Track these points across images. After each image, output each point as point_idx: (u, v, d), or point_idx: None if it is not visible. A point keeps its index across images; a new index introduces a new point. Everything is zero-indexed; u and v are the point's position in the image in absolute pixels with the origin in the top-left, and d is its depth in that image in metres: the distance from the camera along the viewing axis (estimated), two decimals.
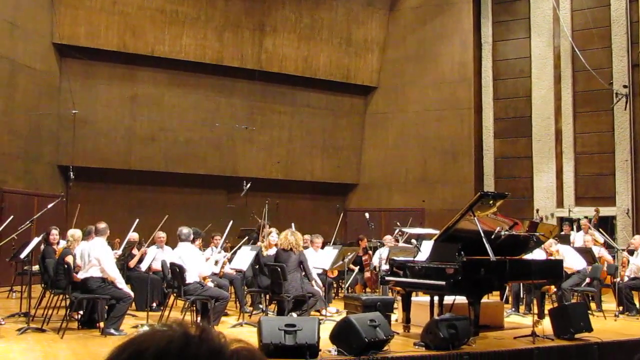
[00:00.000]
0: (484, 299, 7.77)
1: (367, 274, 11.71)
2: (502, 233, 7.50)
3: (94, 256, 7.42)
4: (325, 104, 17.05)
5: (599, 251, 10.53)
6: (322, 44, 16.49)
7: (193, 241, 8.64)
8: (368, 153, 17.33)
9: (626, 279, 10.04)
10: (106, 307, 7.64)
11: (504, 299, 10.15)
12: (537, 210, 14.92)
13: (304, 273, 8.52)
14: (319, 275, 9.66)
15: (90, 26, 14.15)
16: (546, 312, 8.17)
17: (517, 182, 16.06)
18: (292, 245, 8.54)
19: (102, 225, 7.76)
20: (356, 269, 11.48)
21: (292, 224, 10.17)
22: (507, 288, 9.94)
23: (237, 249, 9.82)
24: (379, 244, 11.34)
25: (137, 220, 9.24)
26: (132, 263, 9.81)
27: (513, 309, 9.80)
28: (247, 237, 10.96)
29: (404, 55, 17.09)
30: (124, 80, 14.83)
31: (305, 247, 10.49)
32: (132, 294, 7.66)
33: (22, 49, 13.25)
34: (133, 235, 9.88)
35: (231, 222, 10.20)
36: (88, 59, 14.18)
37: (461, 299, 7.47)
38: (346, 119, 17.27)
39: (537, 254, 8.95)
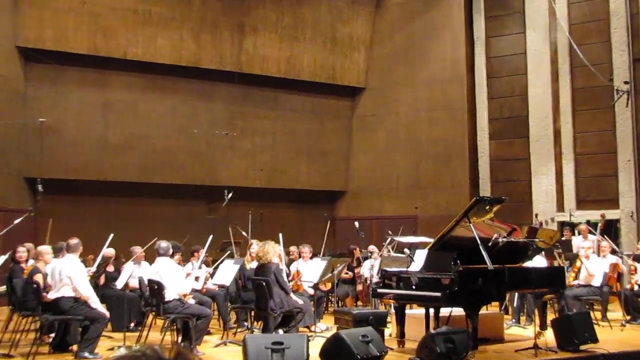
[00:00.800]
0: (483, 310, 7.78)
1: (360, 287, 11.70)
2: (500, 240, 7.52)
3: (66, 274, 7.36)
4: (310, 107, 17.06)
5: (616, 259, 10.44)
6: (306, 44, 16.50)
7: (172, 256, 8.60)
8: (356, 158, 17.34)
9: (636, 287, 10.08)
10: (80, 328, 7.57)
11: (503, 310, 10.19)
12: (537, 215, 15.00)
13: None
14: (309, 287, 9.68)
15: (57, 28, 14.07)
16: (549, 322, 8.19)
17: (515, 186, 16.12)
18: (260, 257, 8.52)
19: (74, 241, 7.71)
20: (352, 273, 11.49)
21: (280, 235, 10.16)
22: (507, 298, 9.97)
23: (219, 263, 9.78)
24: (369, 254, 11.34)
25: (112, 234, 9.17)
26: (101, 280, 9.74)
27: (513, 320, 9.82)
28: (229, 251, 10.93)
29: (392, 54, 17.13)
30: (95, 85, 14.75)
31: (292, 260, 10.49)
32: (107, 314, 7.61)
33: None
34: (108, 251, 9.81)
35: (212, 236, 10.17)
36: (56, 64, 14.10)
37: (458, 311, 7.48)
38: (333, 123, 17.28)
39: (538, 261, 8.99)
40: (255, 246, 9.58)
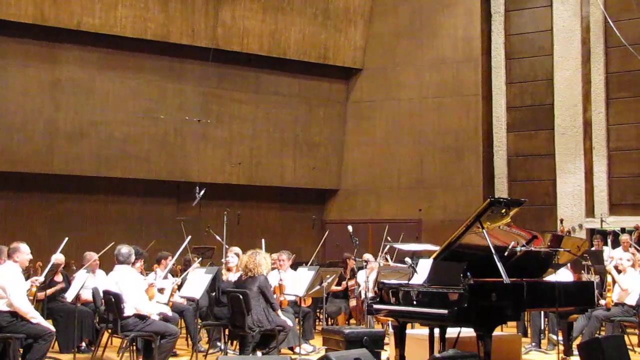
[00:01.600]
0: (497, 331, 7.77)
1: (353, 302, 11.70)
2: (518, 249, 7.51)
3: (0, 285, 7.30)
4: (297, 90, 17.03)
5: None
6: (294, 16, 16.47)
7: (134, 263, 8.57)
8: (351, 151, 17.33)
9: None
10: (20, 349, 7.52)
11: (521, 331, 10.21)
12: (562, 221, 15.02)
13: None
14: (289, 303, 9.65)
15: None
16: (574, 347, 8.19)
17: (537, 186, 16.15)
18: (247, 266, 8.52)
19: (15, 244, 7.65)
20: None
21: (263, 242, 10.14)
22: (526, 318, 9.98)
23: (186, 274, 9.77)
24: (364, 263, 11.34)
25: (67, 239, 9.09)
26: (49, 291, 9.68)
27: (533, 344, 9.84)
28: (200, 259, 10.92)
29: (395, 30, 17.12)
30: (42, 61, 14.65)
31: (275, 269, 10.47)
32: (52, 328, 7.56)
33: None
34: (57, 258, 9.76)
35: (189, 238, 10.17)
36: None
37: (468, 332, 7.47)
38: (324, 109, 17.26)
39: (563, 275, 9.00)
40: (233, 255, 9.54)
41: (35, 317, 7.47)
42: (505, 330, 10.16)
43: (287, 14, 16.39)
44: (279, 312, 8.73)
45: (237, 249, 9.74)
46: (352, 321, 11.75)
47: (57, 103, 14.79)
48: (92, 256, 9.87)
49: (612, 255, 10.51)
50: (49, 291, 9.67)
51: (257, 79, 16.63)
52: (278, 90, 16.84)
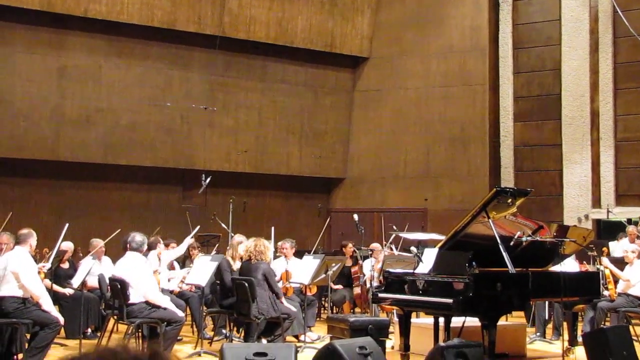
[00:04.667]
0: (502, 321, 7.80)
1: (357, 290, 11.74)
2: (524, 239, 7.54)
3: (11, 270, 7.34)
4: (303, 78, 17.03)
5: None
6: (301, 4, 16.45)
7: (146, 253, 8.65)
8: (357, 140, 17.34)
9: None
10: (27, 335, 7.57)
11: (530, 321, 10.23)
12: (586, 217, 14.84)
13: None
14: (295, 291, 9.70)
15: None
16: (579, 337, 8.22)
17: (543, 176, 16.15)
18: (250, 253, 8.57)
19: (24, 231, 7.70)
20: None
21: (272, 229, 10.16)
22: (532, 308, 10.00)
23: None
24: (370, 252, 11.37)
25: (67, 224, 9.16)
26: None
27: (538, 334, 9.87)
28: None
29: (402, 18, 17.09)
30: (49, 48, 14.67)
31: (279, 257, 10.53)
32: (61, 318, 7.59)
33: None
34: (65, 245, 9.83)
35: (198, 228, 10.25)
36: (2, 20, 14.02)
37: (473, 321, 7.50)
38: (330, 98, 17.26)
39: (569, 266, 9.01)
40: (240, 241, 9.59)
41: (47, 303, 7.50)
42: (510, 320, 10.18)
43: (294, 2, 16.37)
44: (283, 299, 8.77)
45: (240, 237, 9.75)
46: (357, 310, 11.79)
47: (64, 90, 14.81)
48: (99, 243, 9.94)
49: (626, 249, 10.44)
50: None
51: (263, 67, 16.63)
52: (284, 79, 16.84)
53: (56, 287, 9.58)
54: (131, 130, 15.27)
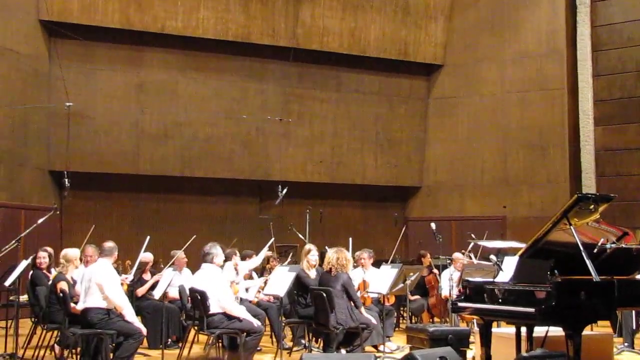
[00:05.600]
0: (586, 331, 7.62)
1: (433, 299, 11.65)
2: (608, 246, 7.35)
3: (96, 281, 7.50)
4: (378, 88, 17.02)
5: None
6: (373, 13, 16.46)
7: (224, 264, 8.74)
8: (433, 148, 17.23)
9: None
10: (112, 345, 7.72)
11: (617, 331, 9.96)
12: None
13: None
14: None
15: None
16: None
17: (627, 181, 15.77)
18: (332, 265, 8.57)
19: (109, 244, 7.85)
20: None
21: (350, 240, 10.15)
22: (619, 317, 9.74)
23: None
24: (448, 261, 11.25)
25: (149, 237, 9.32)
26: (140, 291, 9.91)
27: (626, 344, 9.61)
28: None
29: (476, 24, 16.94)
30: (128, 64, 15.04)
31: (356, 267, 10.52)
32: (144, 329, 7.71)
33: (2, 29, 13.53)
34: (145, 256, 10.01)
35: (272, 240, 10.32)
36: (84, 39, 14.43)
37: (556, 331, 7.35)
38: (405, 106, 17.20)
39: None
40: (314, 251, 9.60)
41: (130, 314, 7.63)
42: (596, 330, 9.94)
43: (366, 11, 16.38)
44: (362, 309, 8.75)
45: (309, 246, 9.75)
46: (436, 319, 11.68)
47: (142, 105, 15.15)
48: (180, 254, 10.08)
49: None
50: (143, 289, 9.94)
51: (337, 77, 16.68)
52: (359, 88, 16.86)
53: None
54: (208, 142, 15.50)
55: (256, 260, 10.66)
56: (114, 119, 14.92)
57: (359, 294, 9.74)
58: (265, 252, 10.83)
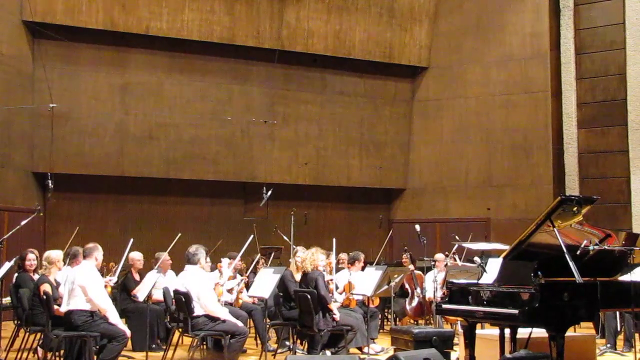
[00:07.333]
0: (570, 332, 7.66)
1: (414, 302, 11.62)
2: (591, 248, 7.38)
3: (79, 284, 7.47)
4: (363, 90, 17.03)
5: None
6: (358, 16, 16.47)
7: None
8: (417, 150, 17.26)
9: None
10: (95, 347, 7.68)
11: (599, 332, 10.00)
12: None
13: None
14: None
15: None
16: None
17: (610, 183, 15.85)
18: (298, 264, 8.59)
19: (90, 245, 7.81)
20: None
21: (334, 240, 10.16)
22: (601, 318, 9.79)
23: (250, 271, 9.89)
24: (432, 263, 11.27)
25: (132, 240, 9.29)
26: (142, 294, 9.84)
27: (608, 345, 9.65)
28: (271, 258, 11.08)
29: (461, 27, 16.99)
30: (112, 65, 14.98)
31: (341, 269, 10.52)
32: (128, 332, 7.68)
33: None
34: (134, 256, 10.02)
35: (251, 237, 10.26)
36: (68, 40, 14.36)
37: (539, 332, 7.38)
38: (389, 109, 17.22)
39: (639, 275, 8.79)
40: (301, 253, 9.60)
41: (114, 316, 7.60)
42: (579, 331, 9.99)
43: (351, 13, 16.40)
44: (332, 305, 8.64)
45: (302, 249, 9.75)
46: (421, 321, 11.68)
47: (127, 106, 15.09)
48: (164, 256, 10.04)
49: None
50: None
51: (322, 79, 16.69)
52: (343, 90, 16.87)
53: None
54: (193, 144, 15.47)
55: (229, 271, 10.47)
56: (98, 121, 14.86)
57: (343, 295, 9.76)
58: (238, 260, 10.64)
